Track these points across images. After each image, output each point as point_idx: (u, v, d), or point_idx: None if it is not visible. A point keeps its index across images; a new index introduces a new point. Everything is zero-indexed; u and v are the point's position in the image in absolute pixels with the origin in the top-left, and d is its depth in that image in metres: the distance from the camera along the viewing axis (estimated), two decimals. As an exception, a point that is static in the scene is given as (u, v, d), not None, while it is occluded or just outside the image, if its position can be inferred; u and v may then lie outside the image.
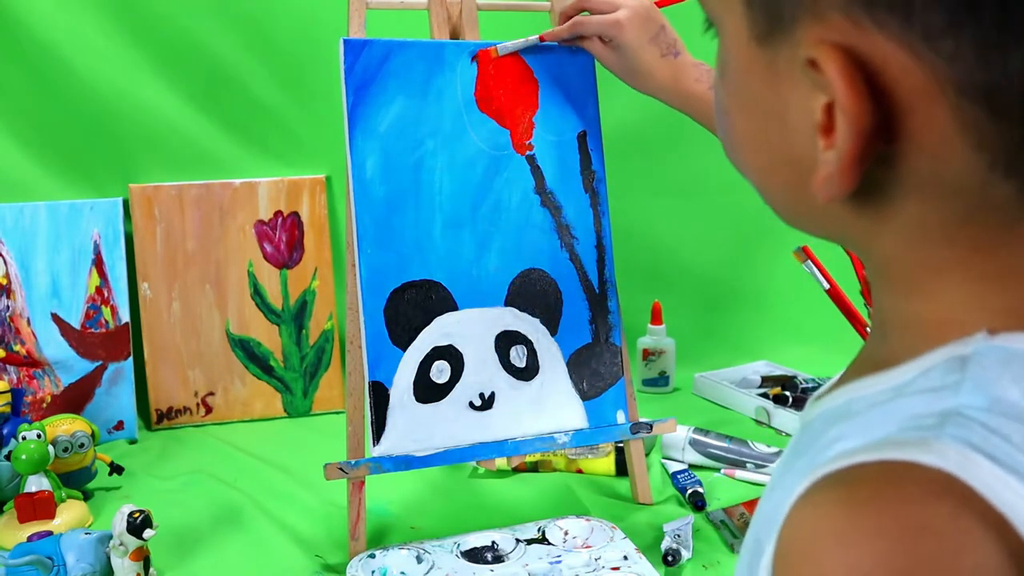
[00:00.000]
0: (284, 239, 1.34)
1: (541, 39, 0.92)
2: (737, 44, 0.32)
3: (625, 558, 0.84)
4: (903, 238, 0.30)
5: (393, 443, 0.86)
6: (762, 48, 0.30)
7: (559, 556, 0.84)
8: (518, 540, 0.87)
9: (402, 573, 0.83)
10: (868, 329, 1.08)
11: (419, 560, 0.84)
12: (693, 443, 1.09)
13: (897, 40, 0.26)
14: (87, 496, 1.05)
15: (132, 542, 0.81)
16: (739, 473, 1.06)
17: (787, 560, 0.27)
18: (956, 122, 0.26)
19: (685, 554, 0.86)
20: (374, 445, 0.85)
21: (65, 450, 1.02)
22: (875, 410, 0.29)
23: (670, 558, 0.85)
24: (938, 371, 0.28)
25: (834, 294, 1.09)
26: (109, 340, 1.26)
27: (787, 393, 1.26)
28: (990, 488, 0.24)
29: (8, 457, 0.97)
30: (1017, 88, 0.25)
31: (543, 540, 0.87)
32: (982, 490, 0.24)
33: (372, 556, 0.85)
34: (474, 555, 0.85)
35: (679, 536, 0.88)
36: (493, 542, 0.87)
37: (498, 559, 0.85)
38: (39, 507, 0.94)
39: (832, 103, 0.27)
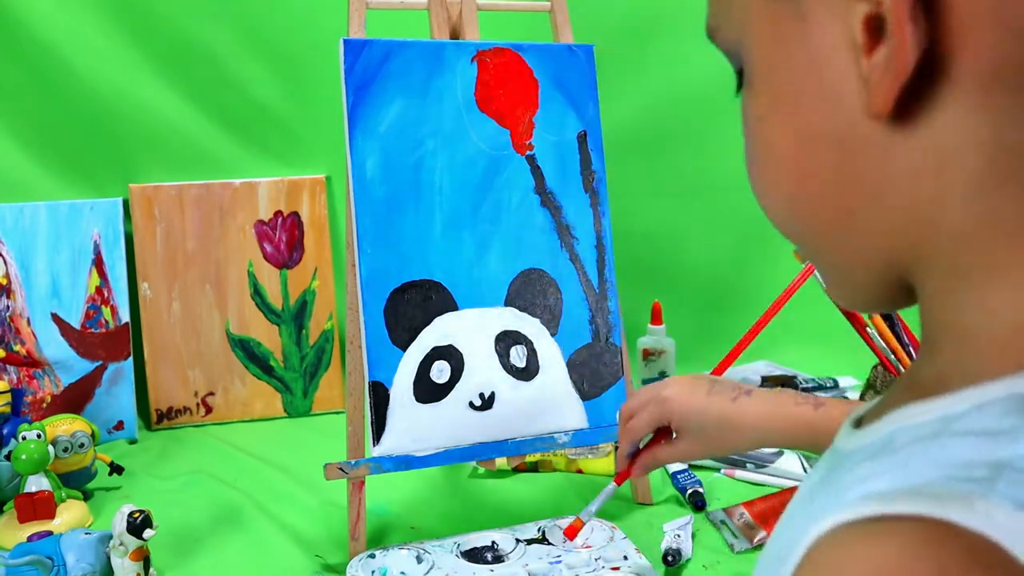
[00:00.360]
0: (284, 239, 1.34)
1: (617, 482, 0.76)
2: (759, 22, 0.30)
3: (625, 558, 0.84)
4: (972, 183, 0.26)
5: (393, 443, 0.86)
6: (780, 1, 0.29)
7: (559, 556, 0.84)
8: (518, 540, 0.87)
9: (402, 573, 0.83)
10: (868, 330, 1.08)
11: (419, 560, 0.84)
12: (693, 443, 1.09)
13: None
14: (87, 496, 1.05)
15: (132, 542, 0.81)
16: (739, 473, 1.06)
17: None
18: None
19: (685, 554, 0.86)
20: (374, 445, 0.85)
21: (65, 450, 1.02)
22: (916, 446, 0.26)
23: (670, 558, 0.85)
24: (996, 409, 0.24)
25: (834, 294, 1.09)
26: (109, 340, 1.26)
27: (787, 393, 1.26)
28: None
29: (8, 457, 0.97)
30: None
31: (543, 540, 0.87)
32: None
33: (372, 556, 0.85)
34: (474, 555, 0.85)
35: (679, 536, 0.88)
36: (493, 542, 0.87)
37: (498, 559, 0.85)
38: (39, 507, 0.94)
39: (871, 15, 0.25)
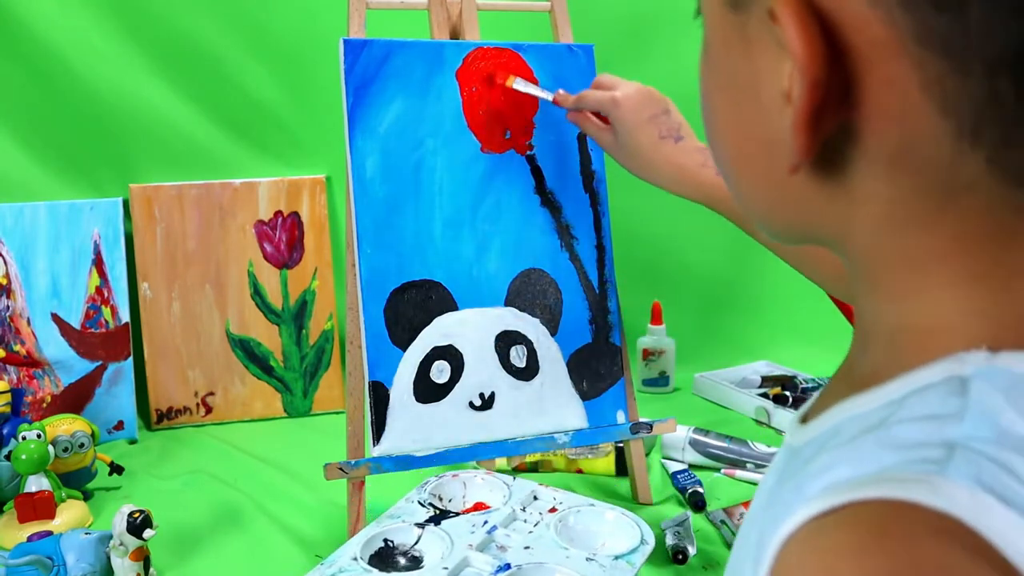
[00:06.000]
0: (284, 239, 1.34)
1: (554, 101, 0.87)
2: (713, 16, 0.31)
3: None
4: (878, 224, 0.28)
5: (393, 443, 0.86)
6: (735, 13, 0.29)
7: (485, 521, 0.79)
8: (416, 524, 0.80)
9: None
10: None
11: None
12: (693, 443, 1.09)
13: None
14: (87, 496, 1.05)
15: (132, 542, 0.81)
16: (739, 473, 1.06)
17: None
18: (918, 78, 0.25)
19: (691, 550, 0.86)
20: (374, 445, 0.85)
21: (65, 450, 1.02)
22: (867, 436, 0.27)
23: (680, 556, 0.85)
24: (936, 393, 0.26)
25: (834, 294, 1.09)
26: (109, 340, 1.26)
27: (787, 393, 1.26)
28: (1002, 537, 0.22)
29: (8, 457, 0.97)
30: (976, 38, 0.23)
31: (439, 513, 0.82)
32: (995, 540, 0.22)
33: None
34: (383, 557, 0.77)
35: (679, 532, 0.88)
36: (385, 540, 0.79)
37: (413, 560, 0.77)
38: (39, 507, 0.94)
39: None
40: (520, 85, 0.89)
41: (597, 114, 0.85)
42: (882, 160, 0.27)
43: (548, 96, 0.88)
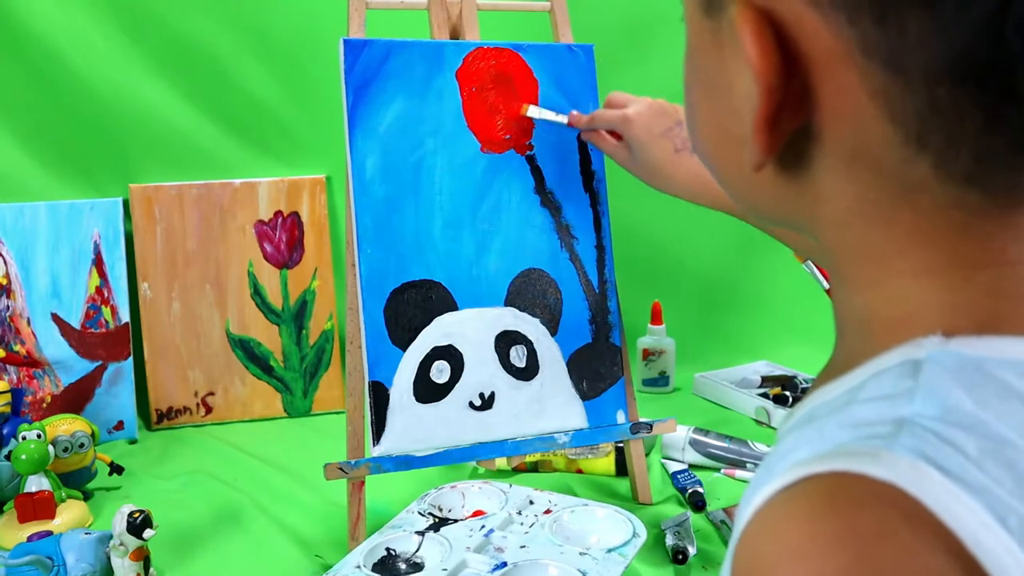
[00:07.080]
0: (284, 239, 1.34)
1: (569, 123, 0.90)
2: (692, 20, 0.32)
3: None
4: (842, 219, 0.30)
5: (393, 443, 0.86)
6: (708, 18, 0.30)
7: (483, 525, 0.82)
8: (417, 533, 0.81)
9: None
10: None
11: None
12: (693, 443, 1.09)
13: (808, 1, 0.26)
14: (87, 496, 1.05)
15: (132, 542, 0.81)
16: (739, 473, 1.06)
17: None
18: (866, 88, 0.26)
19: (691, 550, 0.86)
20: (374, 445, 0.85)
21: (65, 450, 1.02)
22: (830, 417, 0.29)
23: (680, 556, 0.85)
24: (891, 375, 0.28)
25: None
26: (109, 340, 1.26)
27: (787, 393, 1.26)
28: (940, 503, 0.23)
29: (8, 457, 0.97)
30: (916, 50, 0.25)
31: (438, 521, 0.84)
32: (932, 506, 0.23)
33: None
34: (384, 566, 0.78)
35: (679, 532, 0.88)
36: (388, 549, 0.80)
37: (415, 567, 0.78)
38: (39, 507, 0.94)
39: None
40: (534, 112, 0.91)
41: (611, 131, 0.86)
42: (842, 160, 0.28)
43: (563, 119, 0.90)
